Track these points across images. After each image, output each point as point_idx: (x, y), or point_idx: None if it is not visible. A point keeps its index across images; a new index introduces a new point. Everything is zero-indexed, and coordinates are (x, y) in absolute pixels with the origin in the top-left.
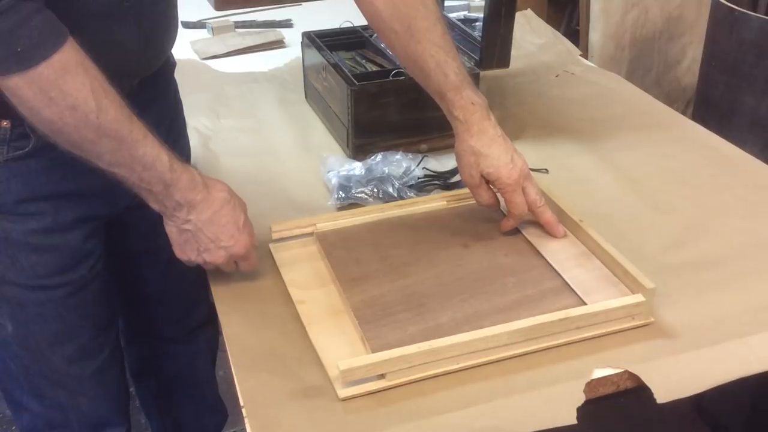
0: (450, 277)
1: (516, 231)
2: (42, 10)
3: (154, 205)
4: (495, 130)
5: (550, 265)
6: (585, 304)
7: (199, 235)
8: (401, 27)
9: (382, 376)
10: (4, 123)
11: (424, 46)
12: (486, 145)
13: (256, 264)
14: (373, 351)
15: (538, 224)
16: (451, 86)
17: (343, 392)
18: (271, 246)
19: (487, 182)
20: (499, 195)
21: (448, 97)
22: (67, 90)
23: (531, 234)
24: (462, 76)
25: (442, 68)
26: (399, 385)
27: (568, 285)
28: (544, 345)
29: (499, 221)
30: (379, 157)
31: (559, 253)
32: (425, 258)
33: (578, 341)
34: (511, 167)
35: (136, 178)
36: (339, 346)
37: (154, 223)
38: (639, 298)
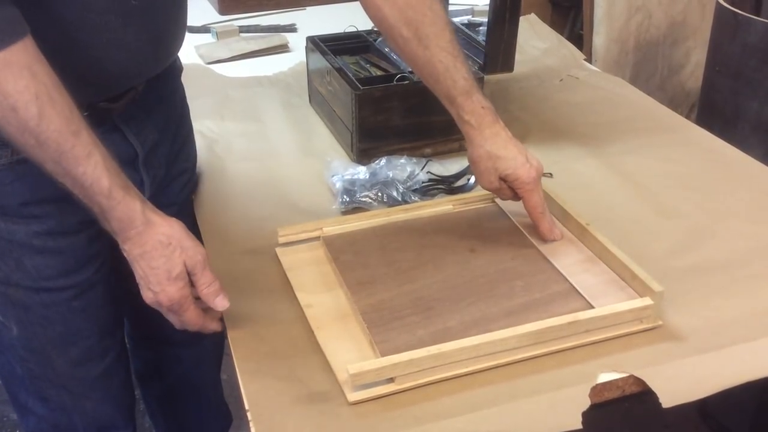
0: (457, 281)
1: (522, 235)
2: (2, 6)
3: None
4: (506, 132)
5: (558, 269)
6: (593, 308)
7: (134, 266)
8: (409, 32)
9: (391, 380)
10: None
11: (432, 52)
12: (501, 147)
13: (193, 321)
14: (382, 354)
15: None
16: (460, 91)
17: (353, 396)
18: (278, 250)
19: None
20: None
21: (458, 102)
22: (7, 90)
23: (536, 238)
24: (471, 81)
25: (451, 73)
26: (408, 389)
27: (576, 289)
28: (553, 348)
29: (505, 224)
30: (383, 161)
31: (566, 257)
32: (432, 262)
33: (585, 345)
34: (529, 167)
35: (77, 193)
36: (347, 350)
37: None
38: (647, 301)
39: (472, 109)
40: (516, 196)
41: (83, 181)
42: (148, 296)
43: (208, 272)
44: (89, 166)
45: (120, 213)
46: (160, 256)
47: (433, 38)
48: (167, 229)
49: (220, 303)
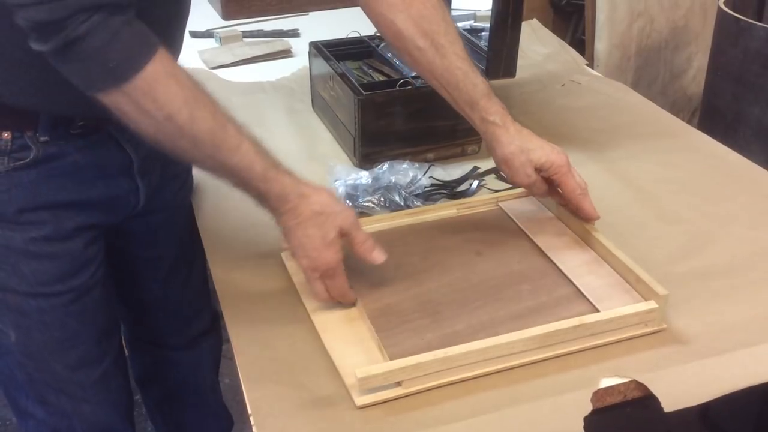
0: (464, 285)
1: (527, 238)
2: (131, 22)
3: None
4: (524, 128)
5: (563, 272)
6: (598, 310)
7: (290, 236)
8: (425, 43)
9: (398, 384)
10: (5, 135)
11: (450, 60)
12: (529, 140)
13: (341, 286)
14: (391, 358)
15: (547, 231)
16: (481, 94)
17: (361, 400)
18: (284, 254)
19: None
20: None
21: (482, 105)
22: (160, 100)
23: (541, 241)
24: (487, 84)
25: (471, 78)
26: (414, 393)
27: (581, 292)
28: (558, 352)
29: (509, 227)
30: (385, 166)
31: (571, 260)
32: (439, 265)
33: (589, 349)
34: (558, 151)
35: (234, 182)
36: (354, 354)
37: (155, 231)
38: (652, 304)
39: (496, 109)
40: (550, 190)
41: (239, 171)
42: (303, 263)
43: (362, 230)
44: (242, 156)
45: (275, 192)
46: (313, 224)
47: (449, 47)
48: (319, 197)
49: (378, 256)
